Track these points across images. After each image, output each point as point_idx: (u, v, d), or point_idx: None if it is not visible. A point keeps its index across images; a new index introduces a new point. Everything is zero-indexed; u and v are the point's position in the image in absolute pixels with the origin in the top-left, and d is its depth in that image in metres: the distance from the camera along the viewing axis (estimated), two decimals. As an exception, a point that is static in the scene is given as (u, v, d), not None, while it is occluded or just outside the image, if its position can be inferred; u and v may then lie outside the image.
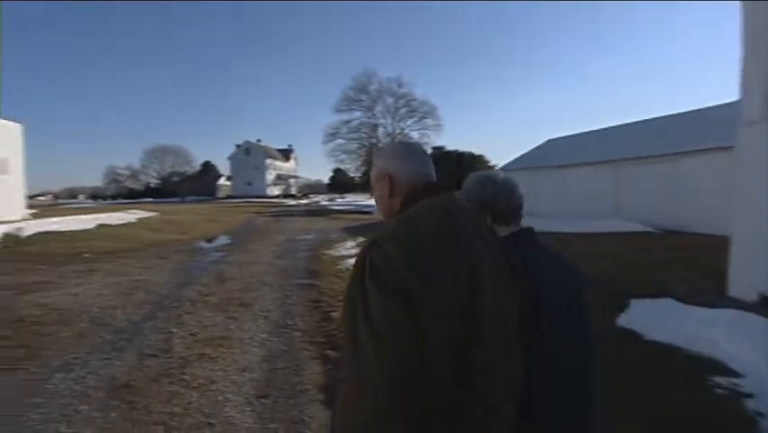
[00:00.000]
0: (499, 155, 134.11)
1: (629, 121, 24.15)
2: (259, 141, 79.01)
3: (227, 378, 3.87)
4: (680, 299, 5.57)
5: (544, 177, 24.51)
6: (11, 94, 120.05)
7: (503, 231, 1.37)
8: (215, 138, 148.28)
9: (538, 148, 30.03)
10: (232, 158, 76.91)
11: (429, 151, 46.81)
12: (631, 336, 4.61)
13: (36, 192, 72.11)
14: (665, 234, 14.38)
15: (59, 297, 6.63)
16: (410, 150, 1.24)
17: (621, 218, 16.70)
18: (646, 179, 17.49)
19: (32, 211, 25.90)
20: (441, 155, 35.12)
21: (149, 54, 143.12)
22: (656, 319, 4.85)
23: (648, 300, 5.59)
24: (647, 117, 23.08)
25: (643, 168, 17.74)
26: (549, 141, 30.29)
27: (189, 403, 3.40)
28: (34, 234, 13.41)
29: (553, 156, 25.64)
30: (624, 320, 5.00)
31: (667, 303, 5.46)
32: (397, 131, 67.81)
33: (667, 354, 4.10)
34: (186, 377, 3.87)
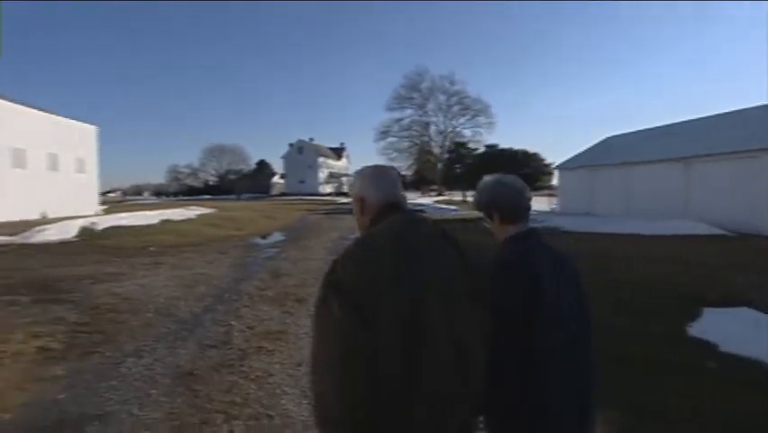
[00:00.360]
0: (556, 153, 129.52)
1: (698, 116, 22.54)
2: (311, 140, 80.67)
3: (284, 371, 3.96)
4: (759, 308, 5.14)
5: (605, 175, 23.46)
6: (85, 95, 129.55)
7: (510, 230, 1.48)
8: (270, 137, 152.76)
9: (597, 146, 28.75)
10: (285, 157, 78.94)
11: (482, 149, 45.97)
12: (704, 346, 4.29)
13: (107, 189, 77.26)
14: (739, 237, 13.35)
15: (129, 287, 7.06)
16: (378, 175, 1.41)
17: (691, 219, 15.68)
18: (719, 178, 16.31)
19: (104, 207, 27.88)
20: (494, 153, 34.13)
21: (207, 56, 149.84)
22: (733, 330, 4.49)
23: (723, 309, 5.20)
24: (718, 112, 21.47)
25: (715, 165, 16.57)
26: (609, 138, 28.93)
27: (248, 394, 3.50)
28: (107, 229, 14.39)
29: (613, 154, 24.47)
30: (696, 330, 4.67)
31: (745, 312, 5.07)
32: (449, 129, 66.99)
33: (750, 370, 3.78)
34: (244, 369, 3.99)
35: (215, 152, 78.78)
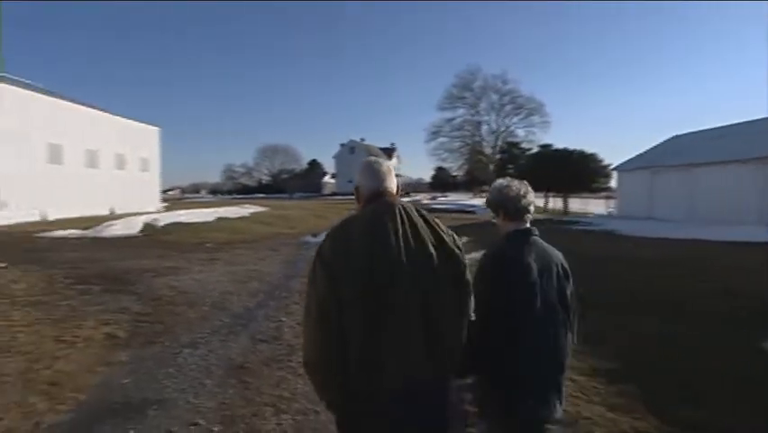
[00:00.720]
0: (615, 154, 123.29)
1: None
2: (362, 140, 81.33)
3: (331, 368, 4.01)
4: None
5: (667, 177, 22.17)
6: (148, 99, 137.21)
7: (511, 226, 1.83)
8: (321, 137, 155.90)
9: (660, 145, 27.16)
10: (336, 156, 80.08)
11: (535, 149, 44.47)
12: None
13: (167, 187, 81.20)
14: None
15: (186, 281, 7.41)
16: (369, 168, 1.66)
17: (765, 225, 14.48)
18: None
19: (165, 204, 29.38)
20: (547, 154, 32.33)
21: (261, 56, 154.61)
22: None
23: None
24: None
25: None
26: (674, 137, 27.25)
27: (296, 389, 3.58)
28: (167, 225, 15.17)
29: (677, 154, 23.03)
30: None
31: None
32: (502, 128, 65.30)
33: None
34: (293, 364, 4.07)
35: (269, 152, 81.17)
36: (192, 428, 2.97)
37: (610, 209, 28.78)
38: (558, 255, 1.82)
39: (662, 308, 5.63)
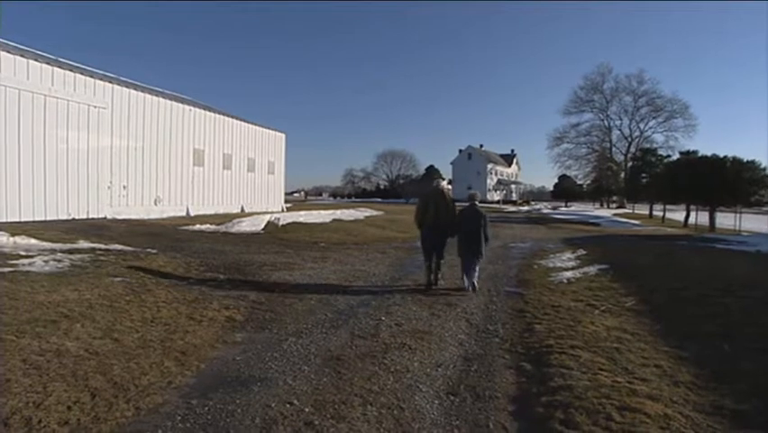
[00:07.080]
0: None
1: None
2: (481, 146, 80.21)
3: (422, 370, 4.06)
4: None
5: None
6: (278, 112, 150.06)
7: (468, 202, 7.75)
8: (440, 143, 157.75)
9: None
10: (454, 162, 79.92)
11: (676, 156, 39.34)
12: None
13: (293, 190, 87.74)
14: None
15: (298, 276, 8.00)
16: (438, 182, 8.42)
17: None
18: None
19: (288, 205, 31.84)
20: (690, 161, 27.43)
21: (382, 70, 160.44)
22: None
23: None
24: None
25: None
26: None
27: (385, 385, 3.69)
28: (287, 224, 16.47)
29: None
30: None
31: None
32: (636, 133, 59.26)
33: None
34: (386, 361, 4.20)
35: (387, 157, 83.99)
36: (287, 406, 3.23)
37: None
38: (482, 212, 7.56)
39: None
